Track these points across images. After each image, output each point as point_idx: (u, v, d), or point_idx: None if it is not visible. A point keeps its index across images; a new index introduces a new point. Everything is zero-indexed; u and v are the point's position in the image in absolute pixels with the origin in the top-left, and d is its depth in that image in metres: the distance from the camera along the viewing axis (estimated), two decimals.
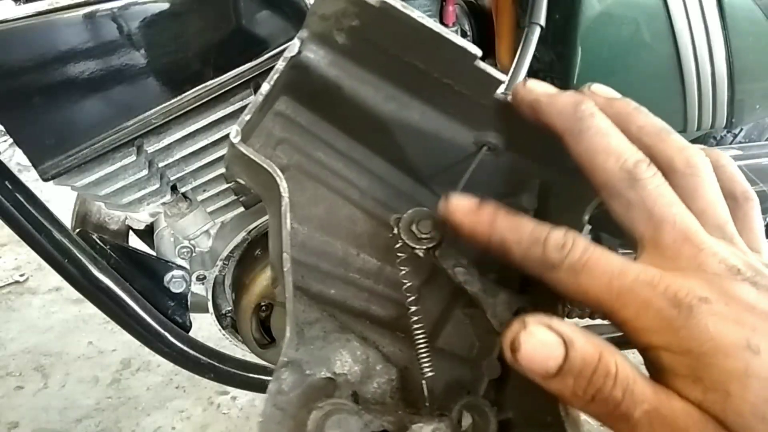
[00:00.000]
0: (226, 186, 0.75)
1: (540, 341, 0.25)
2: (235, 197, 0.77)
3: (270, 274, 0.37)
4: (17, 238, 0.69)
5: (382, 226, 0.40)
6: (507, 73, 0.33)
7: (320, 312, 0.39)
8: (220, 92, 0.64)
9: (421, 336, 0.36)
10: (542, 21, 0.61)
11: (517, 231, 0.29)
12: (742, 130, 1.10)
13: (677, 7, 0.82)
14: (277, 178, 0.33)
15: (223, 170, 0.71)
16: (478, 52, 0.31)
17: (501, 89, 0.33)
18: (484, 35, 1.08)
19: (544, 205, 0.38)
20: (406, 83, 0.36)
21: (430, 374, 0.36)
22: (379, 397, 0.37)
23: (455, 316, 0.41)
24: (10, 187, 0.68)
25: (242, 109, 0.66)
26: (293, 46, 0.33)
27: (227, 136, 0.68)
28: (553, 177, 0.37)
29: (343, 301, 0.41)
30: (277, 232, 0.34)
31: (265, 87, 0.33)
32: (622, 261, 0.26)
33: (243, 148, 0.33)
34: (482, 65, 0.31)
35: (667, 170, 0.29)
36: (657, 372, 0.26)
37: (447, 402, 0.37)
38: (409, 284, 0.37)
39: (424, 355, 0.36)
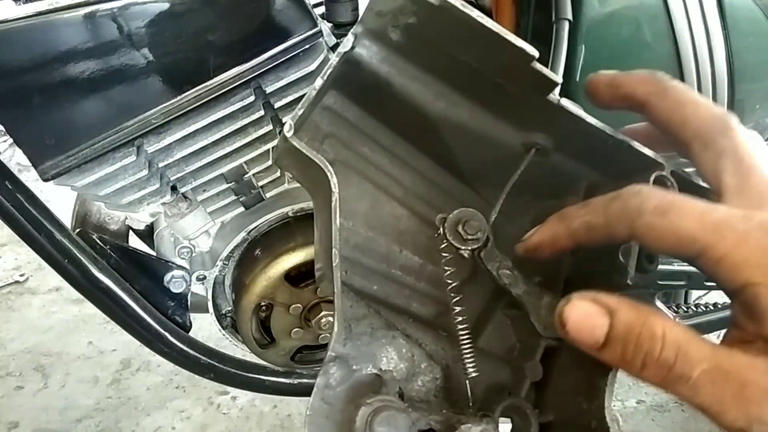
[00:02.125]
0: (226, 186, 0.75)
1: (584, 312, 0.27)
2: (235, 197, 0.77)
3: (315, 269, 0.37)
4: (17, 238, 0.69)
5: (425, 224, 0.40)
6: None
7: (367, 308, 0.39)
8: (220, 92, 0.64)
9: (465, 336, 0.37)
10: (569, 15, 0.60)
11: (589, 205, 0.30)
12: None
13: (677, 7, 0.82)
14: (329, 174, 0.33)
15: (223, 170, 0.71)
16: (536, 53, 0.30)
17: (556, 91, 0.33)
18: None
19: None
20: (456, 82, 0.36)
21: (474, 375, 0.36)
22: (423, 395, 0.37)
23: (496, 316, 0.41)
24: (10, 187, 0.67)
25: (242, 109, 0.66)
26: (347, 41, 0.33)
27: (227, 136, 0.68)
28: (600, 180, 0.37)
29: (384, 297, 0.41)
30: (326, 227, 0.34)
31: (318, 82, 0.33)
32: (704, 202, 0.27)
33: (296, 143, 0.33)
34: (539, 66, 0.31)
35: None
36: (751, 313, 0.25)
37: (488, 403, 0.37)
38: (452, 284, 0.37)
39: (469, 355, 0.36)
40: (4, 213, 0.67)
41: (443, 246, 0.36)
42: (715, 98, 0.88)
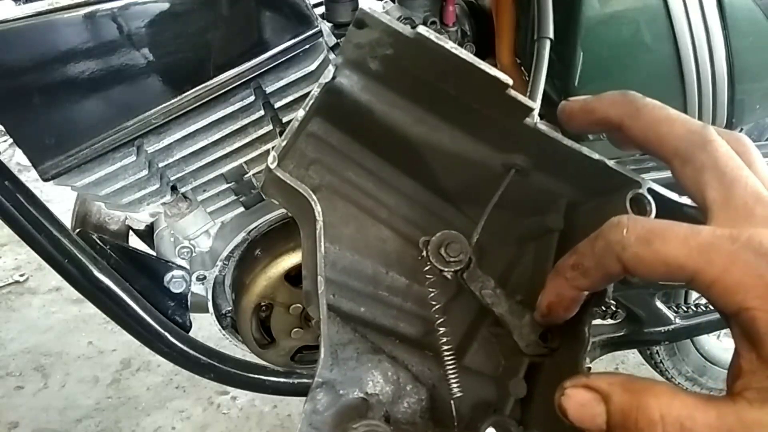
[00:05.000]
0: (226, 186, 0.75)
1: (579, 402, 0.26)
2: (235, 197, 0.77)
3: (303, 291, 0.38)
4: (17, 238, 0.69)
5: (411, 245, 0.41)
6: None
7: (353, 333, 0.40)
8: (220, 92, 0.64)
9: (449, 356, 0.37)
10: (551, 34, 0.60)
11: (576, 251, 0.30)
12: (742, 130, 1.10)
13: (677, 8, 0.82)
14: (312, 203, 0.34)
15: (223, 170, 0.71)
16: (510, 81, 0.31)
17: (530, 115, 0.34)
18: (484, 35, 1.08)
19: (569, 227, 0.38)
20: (436, 108, 0.37)
21: (458, 394, 0.37)
22: (409, 416, 0.38)
23: (481, 334, 0.41)
24: (10, 187, 0.67)
25: (242, 109, 0.66)
26: (328, 73, 0.34)
27: (227, 136, 0.68)
28: (579, 198, 0.38)
29: (372, 318, 0.42)
30: (311, 254, 0.35)
31: (301, 113, 0.34)
32: (687, 224, 0.26)
33: (279, 173, 0.34)
34: (513, 93, 0.32)
35: None
36: (749, 338, 0.24)
37: (473, 421, 0.37)
38: (437, 306, 0.38)
39: (453, 375, 0.37)
40: (4, 213, 0.67)
41: (427, 268, 0.36)
42: (715, 98, 0.88)
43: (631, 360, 1.69)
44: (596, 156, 0.34)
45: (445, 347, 0.37)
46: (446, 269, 0.36)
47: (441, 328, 0.37)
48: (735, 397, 0.24)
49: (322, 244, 0.34)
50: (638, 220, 0.27)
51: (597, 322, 0.95)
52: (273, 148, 0.34)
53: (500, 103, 0.33)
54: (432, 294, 0.38)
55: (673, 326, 0.81)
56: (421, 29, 0.31)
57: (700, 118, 0.89)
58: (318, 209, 0.34)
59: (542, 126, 0.34)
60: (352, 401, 0.36)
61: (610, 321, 0.91)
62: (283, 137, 0.35)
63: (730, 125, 0.92)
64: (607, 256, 0.27)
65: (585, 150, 0.34)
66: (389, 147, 0.40)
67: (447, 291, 0.41)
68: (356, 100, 0.37)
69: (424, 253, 0.36)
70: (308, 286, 0.36)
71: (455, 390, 0.37)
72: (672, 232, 0.25)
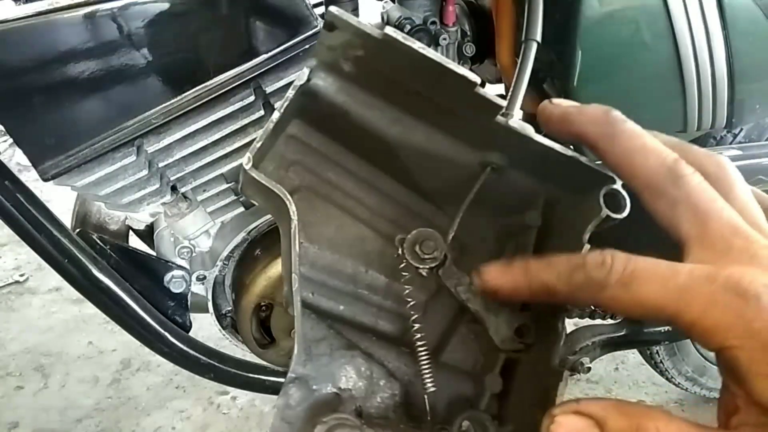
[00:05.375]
0: (226, 186, 0.75)
1: (571, 430, 0.25)
2: (235, 197, 0.78)
3: (284, 292, 0.39)
4: (17, 238, 0.69)
5: (390, 243, 0.42)
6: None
7: (327, 329, 0.41)
8: (220, 92, 0.64)
9: (423, 351, 0.38)
10: (538, 37, 0.61)
11: (553, 267, 0.29)
12: (742, 130, 1.10)
13: (677, 8, 0.82)
14: (287, 202, 0.34)
15: (223, 170, 0.71)
16: (477, 79, 0.32)
17: (503, 113, 0.34)
18: (484, 35, 1.08)
19: (547, 224, 0.39)
20: (410, 108, 0.37)
21: (432, 389, 0.37)
22: (382, 411, 0.39)
23: (459, 332, 0.42)
24: (10, 187, 0.67)
25: (242, 109, 0.66)
26: (302, 75, 0.35)
27: (227, 136, 0.68)
28: (557, 195, 0.38)
29: (351, 316, 0.42)
30: (287, 252, 0.36)
31: (276, 115, 0.35)
32: (668, 263, 0.26)
33: (255, 174, 0.34)
34: (482, 92, 0.32)
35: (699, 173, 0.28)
36: (734, 374, 0.24)
37: (449, 416, 0.38)
38: (413, 302, 0.38)
39: (427, 370, 0.37)
40: (4, 213, 0.67)
41: (403, 266, 0.37)
42: (715, 98, 0.88)
43: (631, 360, 1.69)
44: (570, 153, 0.34)
45: (420, 344, 0.38)
46: (421, 266, 0.36)
47: (416, 324, 0.38)
48: (730, 430, 0.24)
49: (297, 242, 0.34)
50: (619, 259, 0.26)
51: (597, 322, 0.95)
52: (249, 149, 0.35)
53: (470, 101, 0.33)
54: (408, 291, 0.38)
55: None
56: (389, 30, 0.31)
57: (700, 117, 0.89)
58: (293, 209, 0.34)
59: (514, 124, 0.34)
60: (324, 396, 0.36)
61: (610, 321, 0.91)
62: (258, 138, 0.35)
63: (730, 125, 0.92)
64: (584, 291, 0.27)
65: (558, 147, 0.34)
66: (368, 147, 0.40)
67: (426, 289, 0.41)
68: (332, 101, 0.37)
69: (400, 251, 0.37)
70: (286, 286, 0.37)
71: (429, 385, 0.37)
72: (651, 273, 0.25)
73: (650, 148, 0.29)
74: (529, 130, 0.34)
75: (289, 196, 0.34)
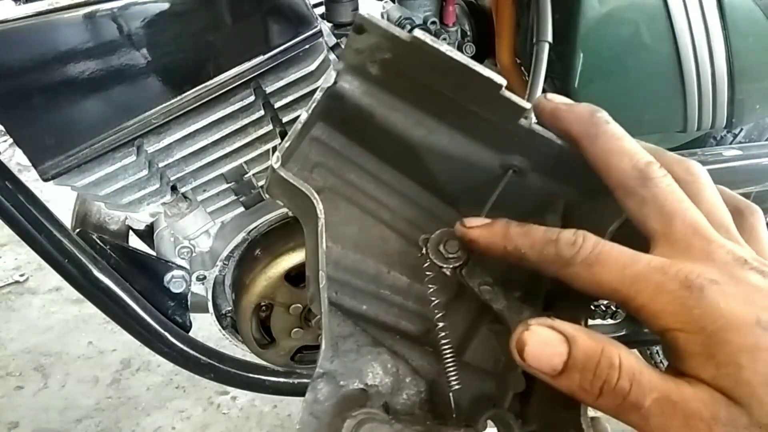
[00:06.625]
0: (226, 186, 0.75)
1: (543, 339, 0.27)
2: (235, 197, 0.78)
3: (307, 290, 0.40)
4: (17, 238, 0.69)
5: (412, 245, 0.42)
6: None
7: (353, 326, 0.41)
8: (220, 92, 0.64)
9: (448, 350, 0.38)
10: (549, 37, 0.61)
11: (529, 236, 0.31)
12: (742, 130, 1.11)
13: (677, 8, 0.82)
14: (315, 201, 0.35)
15: (223, 170, 0.71)
16: (503, 81, 0.32)
17: (526, 116, 0.35)
18: (484, 35, 1.08)
19: (567, 226, 0.39)
20: (434, 110, 0.38)
21: (456, 387, 0.38)
22: (408, 408, 0.39)
23: (481, 331, 0.42)
24: (10, 187, 0.67)
25: (242, 109, 0.66)
26: (330, 77, 0.35)
27: (227, 136, 0.68)
28: (577, 198, 0.39)
29: (374, 316, 0.43)
30: (314, 251, 0.36)
31: (304, 115, 0.35)
32: (632, 252, 0.28)
33: (283, 173, 0.35)
34: (507, 94, 0.33)
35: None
36: (673, 354, 0.27)
37: (473, 414, 0.38)
38: (436, 301, 0.39)
39: (451, 368, 0.38)
40: (4, 213, 0.67)
41: (426, 265, 0.37)
42: (715, 98, 0.88)
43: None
44: None
45: (444, 342, 0.38)
46: (445, 266, 0.37)
47: (440, 323, 0.38)
48: (678, 374, 0.27)
49: (324, 240, 0.35)
50: (590, 241, 0.29)
51: (597, 322, 0.95)
52: (277, 149, 0.36)
53: (495, 104, 0.33)
54: (431, 290, 0.38)
55: None
56: (418, 33, 0.31)
57: (700, 117, 0.89)
58: (320, 207, 0.35)
59: (537, 126, 0.34)
60: (351, 392, 0.37)
61: (610, 321, 0.92)
62: (286, 138, 0.35)
63: (730, 125, 0.92)
64: (551, 264, 0.30)
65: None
66: (391, 150, 0.41)
67: (448, 289, 0.42)
68: (357, 104, 0.37)
69: (424, 251, 0.37)
70: (312, 284, 0.37)
71: (454, 383, 0.38)
72: (614, 258, 0.28)
73: (626, 150, 0.31)
74: (550, 132, 0.34)
75: (316, 195, 0.35)
